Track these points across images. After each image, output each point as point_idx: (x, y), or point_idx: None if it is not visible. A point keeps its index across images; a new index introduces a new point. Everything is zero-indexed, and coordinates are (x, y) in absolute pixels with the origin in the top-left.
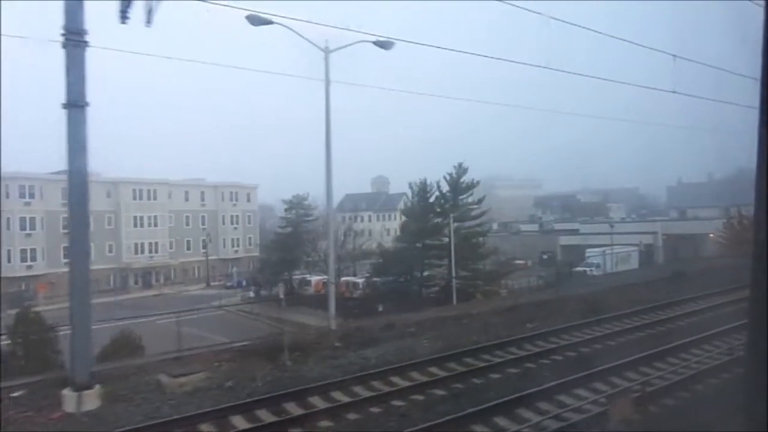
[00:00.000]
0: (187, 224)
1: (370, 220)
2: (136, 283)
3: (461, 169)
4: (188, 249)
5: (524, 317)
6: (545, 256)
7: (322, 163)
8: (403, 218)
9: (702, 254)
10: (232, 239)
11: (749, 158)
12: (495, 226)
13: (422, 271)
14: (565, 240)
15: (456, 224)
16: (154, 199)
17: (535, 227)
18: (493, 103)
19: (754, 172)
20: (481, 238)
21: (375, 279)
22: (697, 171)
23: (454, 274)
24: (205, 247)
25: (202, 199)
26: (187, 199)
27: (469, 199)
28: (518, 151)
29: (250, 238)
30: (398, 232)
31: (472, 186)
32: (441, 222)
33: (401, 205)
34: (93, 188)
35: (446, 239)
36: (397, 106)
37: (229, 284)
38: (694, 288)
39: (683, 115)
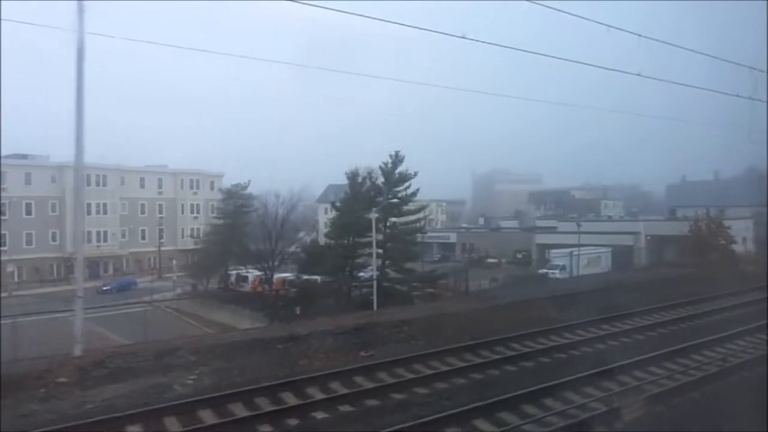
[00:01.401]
0: (143, 212)
1: None
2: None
3: (397, 158)
4: (143, 239)
5: (381, 336)
6: (519, 255)
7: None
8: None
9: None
10: (192, 229)
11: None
12: (482, 221)
13: (350, 270)
14: (541, 238)
15: (393, 219)
16: (104, 185)
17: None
18: (504, 95)
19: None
20: (418, 235)
21: (305, 277)
22: (710, 168)
23: (375, 275)
24: (161, 237)
25: (160, 187)
26: (142, 186)
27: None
28: (523, 144)
29: None
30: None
31: (407, 177)
32: (375, 217)
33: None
34: (36, 173)
35: (380, 236)
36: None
37: (105, 288)
38: (609, 307)
39: (703, 110)
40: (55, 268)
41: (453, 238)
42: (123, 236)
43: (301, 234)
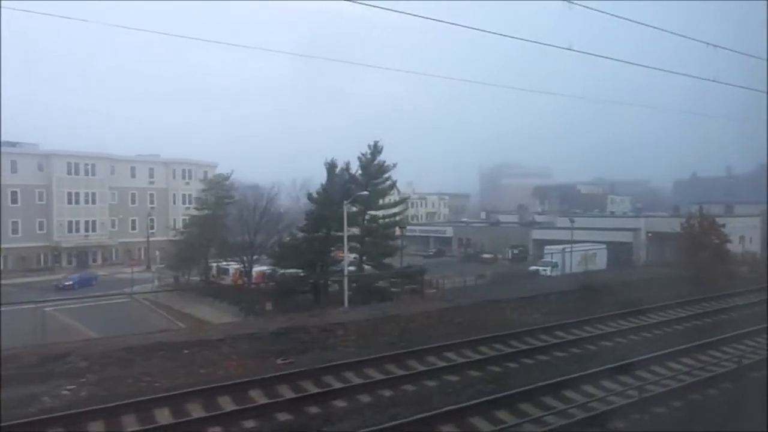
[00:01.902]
0: (133, 202)
1: None
2: (69, 263)
3: (375, 149)
4: (133, 228)
5: (311, 340)
6: (515, 251)
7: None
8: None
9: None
10: (184, 219)
11: None
12: (483, 215)
13: (325, 264)
14: (537, 234)
15: (371, 213)
16: (92, 174)
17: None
18: (515, 88)
19: None
20: (398, 229)
21: (287, 271)
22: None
23: (346, 271)
24: (152, 227)
25: (151, 176)
26: (133, 176)
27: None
28: (535, 138)
29: None
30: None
31: (386, 169)
32: (353, 209)
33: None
34: (22, 161)
35: (356, 229)
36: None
37: (66, 283)
38: (573, 310)
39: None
40: (42, 258)
41: (450, 232)
42: (113, 226)
43: (282, 226)
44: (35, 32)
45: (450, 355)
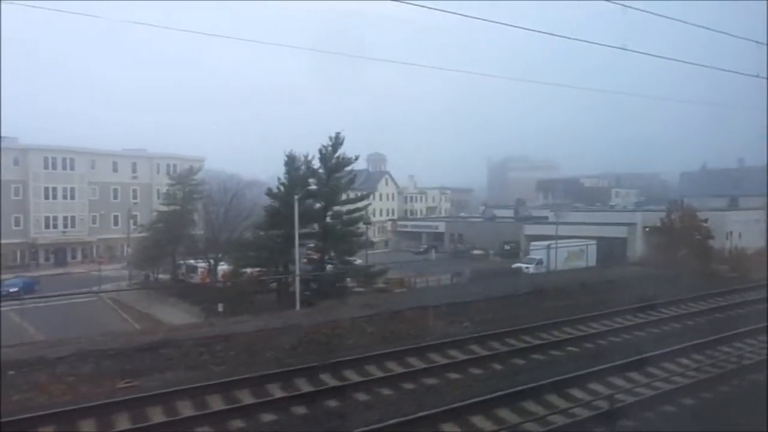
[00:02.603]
0: (115, 197)
1: None
2: (47, 260)
3: (337, 141)
4: (116, 224)
5: (178, 357)
6: (507, 247)
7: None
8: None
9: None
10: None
11: None
12: (482, 209)
13: (285, 263)
14: (530, 229)
15: (336, 208)
16: (71, 168)
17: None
18: (529, 81)
19: None
20: (361, 226)
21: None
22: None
23: (298, 271)
24: (135, 222)
25: (134, 171)
26: (115, 170)
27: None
28: (545, 130)
29: None
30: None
31: (347, 162)
32: (314, 206)
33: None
34: None
35: (323, 227)
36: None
37: (11, 290)
38: (519, 317)
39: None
40: (19, 255)
41: (442, 227)
42: (93, 222)
43: (247, 223)
44: (40, 30)
45: (324, 377)
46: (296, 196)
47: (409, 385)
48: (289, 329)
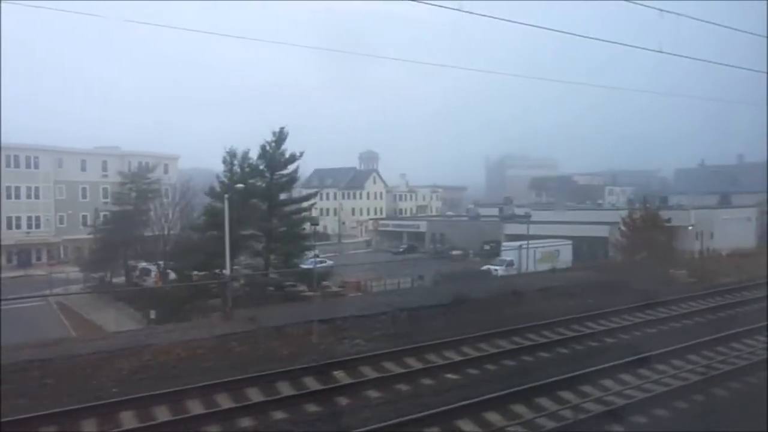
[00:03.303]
0: (84, 197)
1: (335, 198)
2: (9, 261)
3: (281, 136)
4: (84, 225)
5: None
6: (487, 247)
7: None
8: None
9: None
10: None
11: None
12: (470, 208)
13: (221, 266)
14: (510, 228)
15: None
16: (35, 167)
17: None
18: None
19: None
20: (309, 226)
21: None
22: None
23: (229, 272)
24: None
25: (104, 170)
26: (83, 169)
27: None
28: (546, 128)
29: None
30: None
31: (291, 159)
32: (257, 205)
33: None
34: None
35: (265, 228)
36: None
37: None
38: (404, 336)
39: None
40: None
41: (423, 227)
42: (60, 222)
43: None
44: (36, 29)
45: (126, 416)
46: (226, 196)
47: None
48: (139, 350)
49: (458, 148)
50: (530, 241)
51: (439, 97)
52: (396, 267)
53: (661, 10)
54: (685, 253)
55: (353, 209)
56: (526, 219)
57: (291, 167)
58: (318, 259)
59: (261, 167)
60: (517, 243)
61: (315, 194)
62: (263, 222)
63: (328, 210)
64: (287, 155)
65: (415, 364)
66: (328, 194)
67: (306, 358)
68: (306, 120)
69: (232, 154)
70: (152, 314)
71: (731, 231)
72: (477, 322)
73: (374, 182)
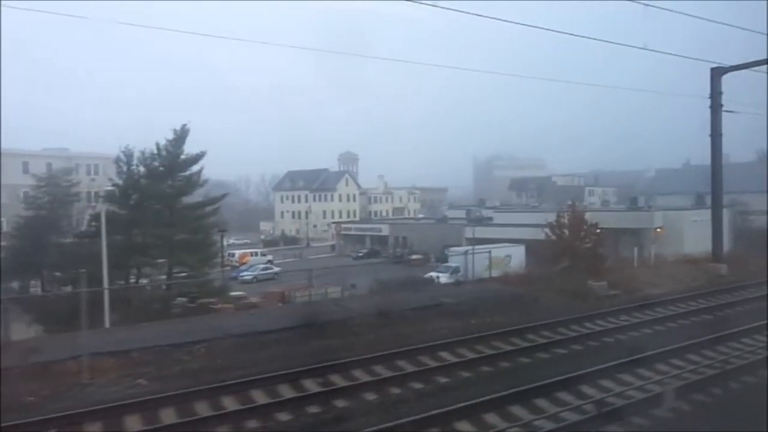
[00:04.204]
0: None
1: (306, 200)
2: None
3: (181, 134)
4: None
5: None
6: (447, 251)
7: None
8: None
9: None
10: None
11: None
12: (444, 209)
13: (126, 276)
14: (470, 232)
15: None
16: None
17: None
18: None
19: None
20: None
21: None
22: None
23: (106, 282)
24: None
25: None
26: (26, 171)
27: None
28: (536, 128)
29: None
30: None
31: (192, 160)
32: (159, 210)
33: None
34: None
35: (162, 235)
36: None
37: None
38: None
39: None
40: None
41: (386, 230)
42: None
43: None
44: (29, 30)
45: None
46: (101, 196)
47: None
48: None
49: (447, 149)
50: (479, 246)
51: (428, 97)
52: (348, 273)
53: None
54: (623, 261)
55: (324, 212)
56: (487, 221)
57: (194, 168)
58: (263, 266)
59: (161, 169)
60: (464, 248)
61: (221, 198)
62: (163, 229)
63: (300, 213)
64: (187, 155)
65: (167, 417)
66: (299, 197)
67: (36, 409)
68: (290, 120)
69: (128, 154)
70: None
71: (702, 233)
72: (310, 353)
73: (346, 184)
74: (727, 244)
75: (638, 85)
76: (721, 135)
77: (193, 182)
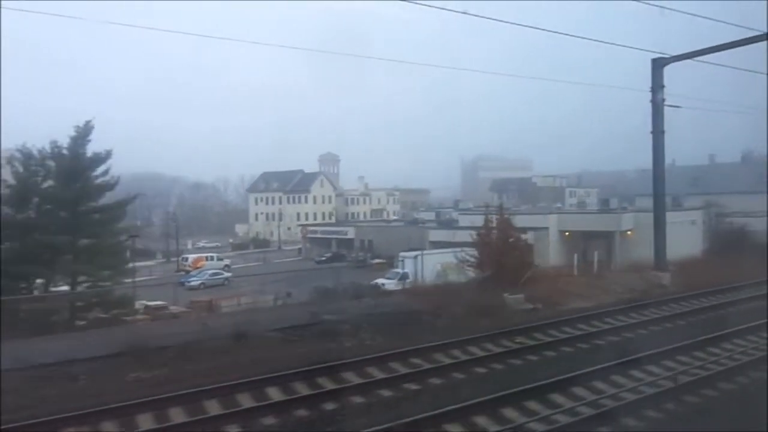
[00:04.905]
0: None
1: (280, 202)
2: None
3: (85, 133)
4: None
5: None
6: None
7: None
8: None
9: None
10: None
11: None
12: (419, 212)
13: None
14: (434, 235)
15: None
16: None
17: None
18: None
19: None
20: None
21: None
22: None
23: None
24: None
25: None
26: None
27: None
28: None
29: None
30: None
31: (98, 160)
32: (55, 211)
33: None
34: None
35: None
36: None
37: None
38: None
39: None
40: None
41: (351, 233)
42: None
43: None
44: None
45: None
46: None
47: None
48: None
49: (437, 150)
50: (436, 251)
51: (417, 97)
52: (303, 278)
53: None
54: (562, 269)
55: (298, 214)
56: (453, 224)
57: (101, 169)
58: (212, 272)
59: (59, 169)
60: (414, 253)
61: (129, 201)
62: (65, 235)
63: (273, 215)
64: (94, 155)
65: None
66: (273, 198)
67: None
68: (273, 121)
69: (26, 153)
70: None
71: (673, 236)
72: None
73: (321, 185)
74: (698, 248)
75: (627, 84)
76: (663, 132)
77: (98, 185)
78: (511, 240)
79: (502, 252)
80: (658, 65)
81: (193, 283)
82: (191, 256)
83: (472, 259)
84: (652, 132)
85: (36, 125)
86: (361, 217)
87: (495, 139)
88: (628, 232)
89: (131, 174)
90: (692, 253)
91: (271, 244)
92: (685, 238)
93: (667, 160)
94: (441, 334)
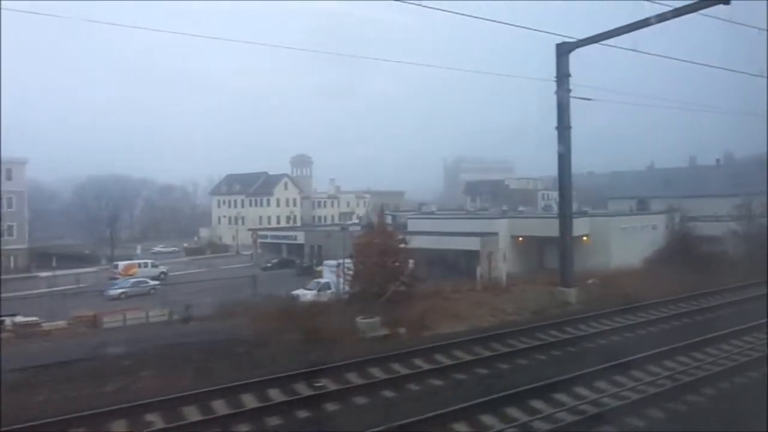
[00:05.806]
0: None
1: (242, 205)
2: None
3: None
4: None
5: None
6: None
7: None
8: None
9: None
10: None
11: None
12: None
13: None
14: None
15: None
16: None
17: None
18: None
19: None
20: None
21: None
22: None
23: None
24: None
25: None
26: None
27: None
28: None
29: (10, 226)
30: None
31: None
32: None
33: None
34: None
35: None
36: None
37: None
38: None
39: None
40: None
41: (301, 238)
42: None
43: None
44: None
45: None
46: None
47: None
48: None
49: (421, 152)
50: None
51: (401, 98)
52: (241, 285)
53: None
54: (461, 283)
55: (261, 217)
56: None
57: None
58: (135, 280)
59: None
60: (336, 261)
61: None
62: None
63: (235, 218)
64: None
65: None
66: (235, 201)
67: None
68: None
69: None
70: None
71: (632, 241)
72: None
73: (286, 188)
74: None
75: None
76: (569, 127)
77: None
78: (392, 249)
79: (377, 264)
80: (563, 51)
81: (112, 293)
82: (122, 263)
83: (349, 272)
84: (557, 128)
85: None
86: (329, 221)
87: (479, 140)
88: (584, 238)
89: (87, 176)
90: (641, 260)
91: (230, 248)
92: (642, 244)
93: (646, 162)
94: (247, 370)
